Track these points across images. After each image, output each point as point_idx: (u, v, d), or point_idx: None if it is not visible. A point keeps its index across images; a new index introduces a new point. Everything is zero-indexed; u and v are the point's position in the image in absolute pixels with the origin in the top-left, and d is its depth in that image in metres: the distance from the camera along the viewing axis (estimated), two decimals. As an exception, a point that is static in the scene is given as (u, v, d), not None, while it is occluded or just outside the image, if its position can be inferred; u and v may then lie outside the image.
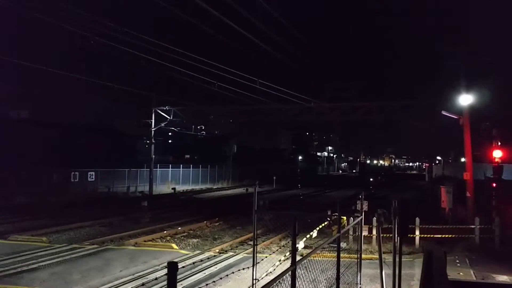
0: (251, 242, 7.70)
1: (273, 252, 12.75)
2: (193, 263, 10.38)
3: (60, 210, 21.65)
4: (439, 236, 13.15)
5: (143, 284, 8.68)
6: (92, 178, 32.53)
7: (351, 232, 13.16)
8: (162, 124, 35.13)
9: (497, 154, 15.28)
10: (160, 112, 34.47)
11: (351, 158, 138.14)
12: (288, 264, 4.24)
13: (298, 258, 4.41)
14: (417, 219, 13.51)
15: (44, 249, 12.66)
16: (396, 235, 7.22)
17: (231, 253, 12.87)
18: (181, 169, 42.88)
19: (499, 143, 15.33)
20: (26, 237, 14.57)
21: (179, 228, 17.43)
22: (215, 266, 11.08)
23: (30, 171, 27.06)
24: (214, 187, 43.73)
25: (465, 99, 16.93)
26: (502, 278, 9.68)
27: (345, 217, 11.69)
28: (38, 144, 30.89)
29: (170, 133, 49.46)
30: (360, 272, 8.16)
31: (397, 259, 6.93)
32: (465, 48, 17.60)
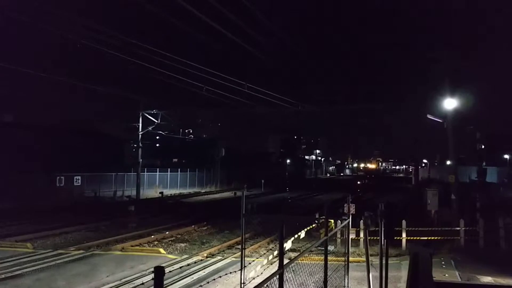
0: (240, 246, 7.70)
1: (261, 256, 12.78)
2: (181, 267, 10.32)
3: (45, 215, 21.29)
4: (425, 238, 13.31)
5: (130, 290, 8.59)
6: (78, 183, 32.14)
7: (338, 235, 13.20)
8: (150, 128, 34.96)
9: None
10: (147, 115, 34.29)
11: (338, 162, 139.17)
12: (276, 267, 4.25)
13: (286, 261, 4.42)
14: (404, 222, 13.65)
15: (28, 255, 12.43)
16: (382, 238, 7.29)
17: (219, 257, 12.83)
18: (168, 173, 42.60)
19: (483, 146, 15.62)
20: (9, 243, 14.30)
21: (167, 233, 17.32)
22: (203, 271, 11.03)
23: (14, 175, 26.59)
24: (202, 191, 43.54)
25: (449, 103, 17.22)
26: (487, 279, 9.82)
27: (332, 220, 11.75)
28: (22, 148, 30.37)
29: (157, 137, 49.13)
30: (348, 274, 8.22)
31: (384, 262, 6.99)
32: (449, 52, 17.93)
